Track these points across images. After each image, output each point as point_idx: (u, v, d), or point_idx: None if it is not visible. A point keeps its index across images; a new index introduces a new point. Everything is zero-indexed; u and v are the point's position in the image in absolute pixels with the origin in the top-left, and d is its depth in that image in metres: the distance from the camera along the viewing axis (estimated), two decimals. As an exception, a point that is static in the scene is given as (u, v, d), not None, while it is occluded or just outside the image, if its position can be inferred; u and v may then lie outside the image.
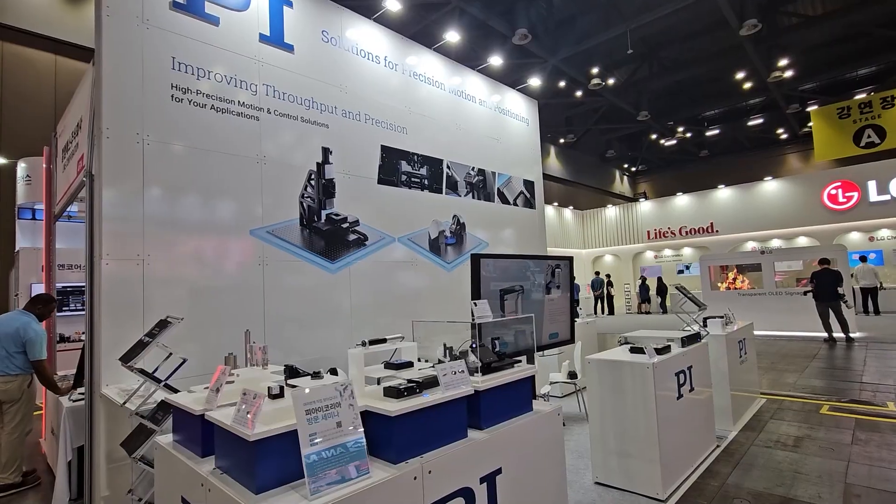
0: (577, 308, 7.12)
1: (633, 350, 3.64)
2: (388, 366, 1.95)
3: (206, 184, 3.90)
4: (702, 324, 5.04)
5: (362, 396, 1.75)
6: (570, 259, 3.13)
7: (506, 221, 7.02)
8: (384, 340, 1.97)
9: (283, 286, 4.26)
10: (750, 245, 17.77)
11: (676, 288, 4.43)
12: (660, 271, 20.10)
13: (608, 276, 19.76)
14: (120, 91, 3.51)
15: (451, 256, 6.03)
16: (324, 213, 4.71)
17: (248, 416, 1.43)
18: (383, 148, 5.37)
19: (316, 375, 1.76)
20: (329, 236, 4.71)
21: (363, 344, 1.89)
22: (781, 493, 3.27)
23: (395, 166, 5.48)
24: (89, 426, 3.35)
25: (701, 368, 4.05)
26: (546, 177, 24.52)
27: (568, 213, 22.31)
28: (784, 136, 25.74)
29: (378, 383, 1.82)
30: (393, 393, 1.67)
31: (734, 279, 13.28)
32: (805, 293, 10.42)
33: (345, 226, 4.87)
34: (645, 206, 21.25)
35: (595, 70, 17.23)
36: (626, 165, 31.95)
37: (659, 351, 3.52)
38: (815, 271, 9.93)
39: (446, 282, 5.94)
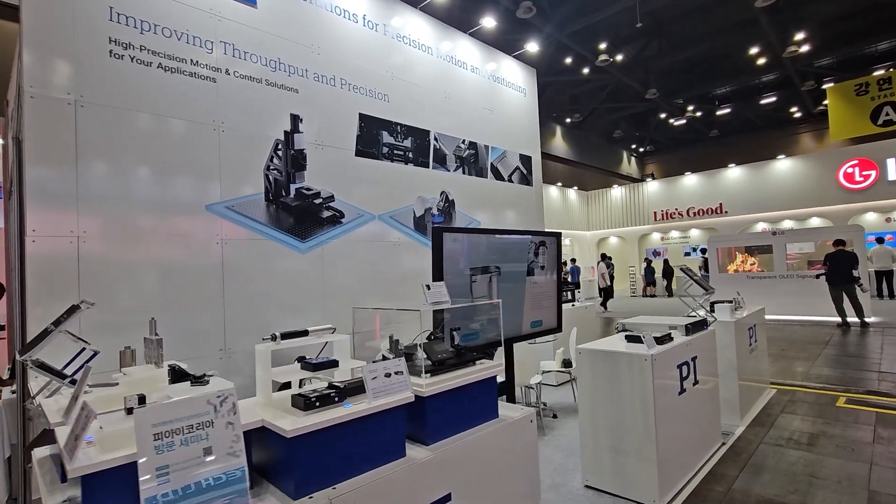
0: (577, 291, 6.71)
1: (630, 339, 3.23)
2: (305, 365, 1.55)
3: (153, 153, 3.48)
4: (709, 309, 4.62)
5: (265, 407, 1.35)
6: (556, 235, 2.70)
7: (500, 199, 6.56)
8: (304, 332, 1.57)
9: (245, 268, 3.87)
10: (760, 226, 17.17)
11: (681, 270, 4.00)
12: (666, 253, 19.58)
13: (609, 257, 19.17)
14: (44, 43, 3.08)
15: (438, 236, 5.60)
16: (293, 187, 4.29)
17: (75, 440, 1.04)
18: (362, 116, 4.91)
19: (197, 381, 1.37)
20: (299, 213, 4.29)
21: (273, 338, 1.49)
22: (796, 502, 2.88)
23: (375, 137, 5.03)
24: (22, 421, 3.02)
25: (706, 358, 3.64)
26: (551, 157, 23.87)
27: (572, 193, 21.72)
28: (798, 115, 24.75)
29: (294, 387, 1.42)
30: (300, 403, 1.28)
31: (743, 261, 12.76)
32: (818, 276, 9.92)
33: (317, 201, 4.45)
34: (651, 187, 20.62)
35: (602, 46, 16.45)
36: (633, 146, 31.05)
37: (659, 340, 3.11)
38: (829, 253, 9.42)
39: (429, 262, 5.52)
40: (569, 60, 17.94)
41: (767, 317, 11.05)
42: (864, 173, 15.43)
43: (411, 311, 1.97)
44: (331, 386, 1.37)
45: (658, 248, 20.23)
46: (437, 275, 2.05)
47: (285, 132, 4.26)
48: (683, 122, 25.39)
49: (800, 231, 13.87)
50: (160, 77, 3.56)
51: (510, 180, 6.77)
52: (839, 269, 9.11)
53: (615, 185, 21.96)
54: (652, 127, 26.91)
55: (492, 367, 1.75)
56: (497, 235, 2.39)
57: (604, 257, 16.42)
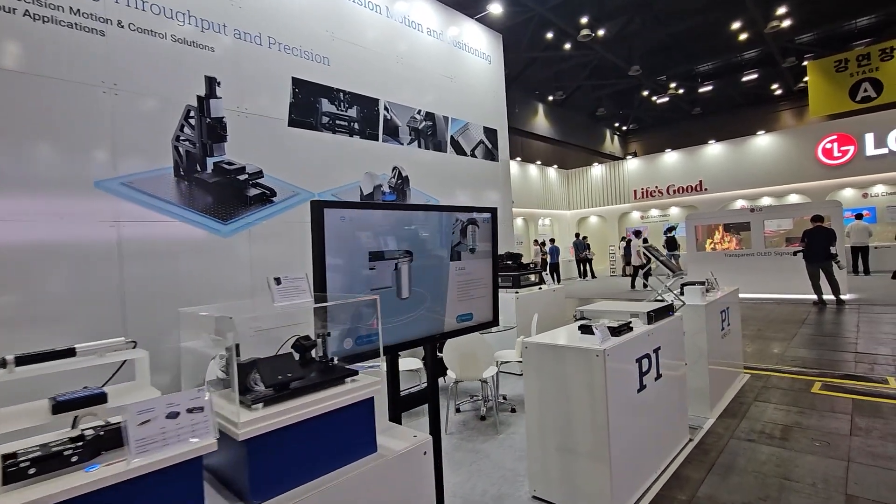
0: (545, 274, 6.30)
1: (584, 330, 2.82)
2: (59, 406, 1.07)
3: (21, 118, 2.91)
4: (679, 292, 4.26)
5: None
6: (492, 211, 2.24)
7: (461, 175, 6.08)
8: (68, 353, 1.10)
9: (148, 254, 3.35)
10: (739, 203, 17.00)
11: (645, 249, 3.59)
12: (646, 232, 19.36)
13: (584, 238, 18.90)
14: None
15: (390, 216, 5.11)
16: (210, 160, 3.75)
17: None
18: (296, 81, 4.35)
19: None
20: (219, 190, 3.77)
21: (2, 364, 1.02)
22: (766, 511, 2.55)
23: (312, 105, 4.48)
24: None
25: (672, 348, 3.27)
26: (534, 136, 23.34)
27: (552, 172, 21.29)
28: (779, 92, 24.59)
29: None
30: (10, 473, 0.81)
31: (721, 239, 12.54)
32: (795, 253, 9.70)
33: (242, 177, 3.92)
34: (632, 165, 20.29)
35: (584, 20, 15.87)
36: (616, 124, 30.69)
37: (615, 331, 2.70)
38: (806, 230, 9.18)
39: (385, 246, 5.05)
40: (550, 35, 17.34)
41: (744, 295, 10.88)
42: (843, 149, 15.26)
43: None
44: (83, 435, 0.90)
45: (638, 228, 20.03)
46: (319, 263, 1.58)
47: (199, 97, 3.70)
48: (666, 99, 25.00)
49: (777, 207, 13.69)
50: (28, 27, 2.96)
51: (473, 155, 6.27)
52: (817, 245, 8.89)
53: (595, 164, 21.59)
54: (635, 105, 26.48)
55: (361, 389, 1.30)
56: (407, 212, 1.91)
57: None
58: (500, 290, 5.69)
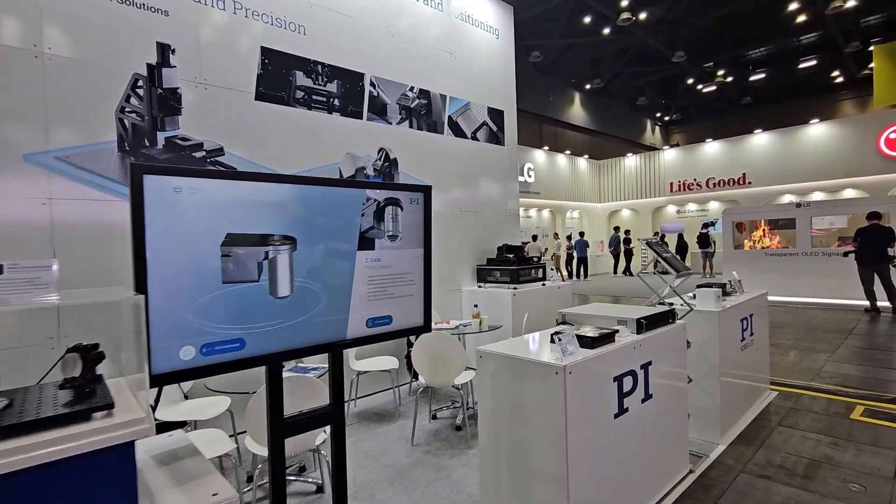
0: (550, 269, 5.75)
1: (556, 338, 2.33)
2: None
3: (-64, 83, 2.66)
4: (690, 296, 3.67)
5: None
6: (424, 190, 1.78)
7: (460, 160, 5.60)
8: None
9: (88, 238, 3.08)
10: (787, 199, 15.66)
11: (647, 244, 3.04)
12: (681, 227, 18.24)
13: (627, 231, 17.93)
14: None
15: (374, 201, 4.71)
16: (162, 135, 3.44)
17: None
18: (265, 51, 3.98)
19: None
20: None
21: None
22: (770, 579, 2.00)
23: (285, 78, 4.11)
24: None
25: (670, 362, 2.72)
26: (569, 126, 22.40)
27: (583, 162, 20.36)
28: (839, 81, 22.59)
29: None
30: None
31: (762, 237, 11.48)
32: (846, 254, 8.69)
33: (198, 154, 3.60)
34: (669, 156, 19.10)
35: (625, 2, 14.92)
36: (658, 114, 29.19)
37: (591, 342, 2.20)
38: (860, 228, 8.16)
39: (368, 233, 4.65)
40: (588, 19, 16.44)
41: (785, 298, 9.96)
42: (910, 139, 13.73)
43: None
44: None
45: (664, 223, 18.88)
46: (137, 247, 1.18)
47: (149, 66, 3.38)
48: (713, 88, 23.46)
49: (827, 203, 12.44)
50: (-55, -18, 2.70)
51: (474, 138, 5.77)
52: (872, 245, 7.88)
53: (630, 154, 20.48)
54: (679, 94, 25.02)
55: (110, 431, 0.89)
56: (290, 187, 1.49)
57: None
58: (496, 286, 5.21)
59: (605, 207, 21.04)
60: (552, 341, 2.14)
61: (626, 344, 2.35)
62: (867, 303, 8.21)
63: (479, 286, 5.48)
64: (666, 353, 2.67)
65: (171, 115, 3.47)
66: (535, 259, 5.58)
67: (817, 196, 15.20)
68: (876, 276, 7.95)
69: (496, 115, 6.05)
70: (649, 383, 2.50)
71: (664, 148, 20.13)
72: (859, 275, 8.14)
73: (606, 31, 17.23)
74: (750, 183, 16.67)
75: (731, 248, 11.27)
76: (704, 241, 15.51)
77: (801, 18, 16.44)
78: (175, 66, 3.49)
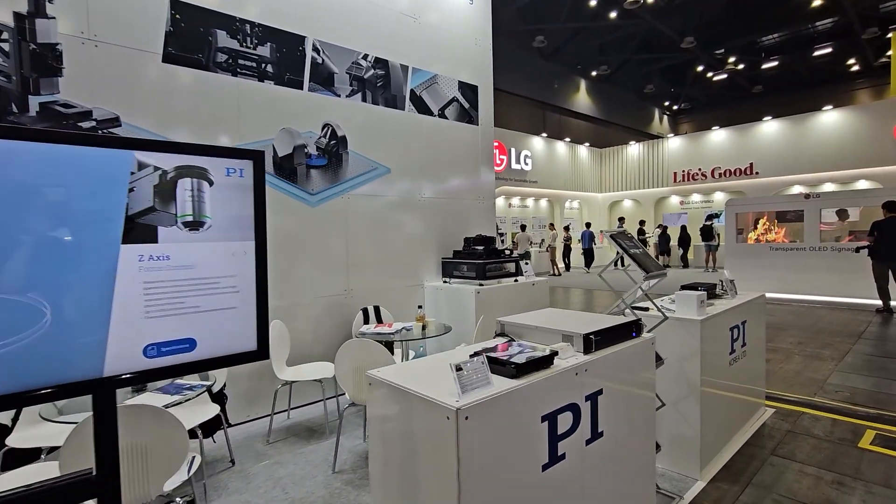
0: (526, 263, 5.19)
1: (493, 364, 1.76)
2: None
3: None
4: (669, 300, 3.10)
5: None
6: (254, 156, 1.20)
7: (425, 139, 5.00)
8: None
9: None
10: (796, 190, 14.91)
11: (610, 237, 2.45)
12: (684, 219, 17.55)
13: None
14: None
15: (317, 184, 4.14)
16: (36, 100, 2.87)
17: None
18: (176, 5, 3.39)
19: None
20: (47, 140, 2.89)
21: None
22: None
23: (203, 38, 3.52)
24: None
25: (631, 388, 2.15)
26: (573, 114, 21.62)
27: (583, 150, 19.61)
28: (855, 69, 21.59)
29: None
30: None
31: (766, 230, 10.79)
32: (858, 249, 8.03)
33: (86, 125, 3.03)
34: (673, 144, 18.31)
35: (633, -15, 14.15)
36: (666, 103, 28.30)
37: (516, 371, 1.63)
38: (877, 221, 7.49)
39: (310, 222, 4.10)
40: (594, 3, 15.65)
41: (789, 296, 9.32)
42: (930, 127, 12.91)
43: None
44: None
45: (666, 214, 18.15)
46: None
47: (17, 15, 2.80)
48: (724, 76, 22.52)
49: (838, 194, 11.69)
50: None
51: (442, 115, 5.16)
52: (891, 239, 7.20)
53: (632, 142, 19.70)
54: (688, 82, 24.08)
55: None
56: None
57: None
58: (462, 282, 4.64)
59: (606, 198, 20.33)
60: (457, 369, 1.58)
61: (566, 370, 1.78)
62: (879, 303, 7.57)
63: (445, 281, 4.91)
64: (625, 376, 2.10)
65: (48, 76, 2.90)
66: (510, 252, 5.00)
67: (828, 187, 14.44)
68: (891, 274, 7.29)
69: (468, 90, 5.43)
70: (598, 418, 1.93)
71: (668, 136, 19.31)
72: (873, 272, 7.49)
73: (613, 14, 16.43)
74: (757, 173, 15.91)
75: (733, 241, 10.61)
76: (708, 233, 14.83)
77: (817, 3, 15.55)
78: (54, 18, 2.91)
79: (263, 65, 3.81)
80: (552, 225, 16.61)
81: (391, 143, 4.68)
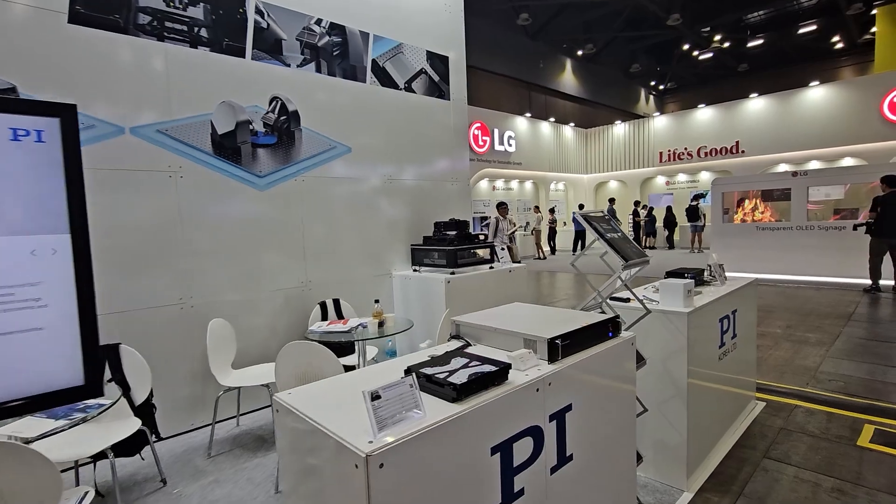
0: (500, 249, 4.84)
1: (429, 383, 1.40)
2: None
3: None
4: (653, 289, 2.78)
5: None
6: (61, 112, 0.79)
7: (389, 116, 4.57)
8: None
9: None
10: (782, 168, 14.73)
11: (584, 219, 2.10)
12: (669, 200, 17.36)
13: (636, 203, 16.72)
14: None
15: (265, 165, 3.72)
16: None
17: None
18: (83, -45, 2.90)
19: None
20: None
21: None
22: None
23: (119, -5, 3.04)
24: None
25: (607, 398, 1.82)
26: (559, 94, 21.11)
27: (568, 131, 19.22)
28: (840, 46, 21.41)
29: None
30: None
31: (752, 209, 10.58)
32: (857, 227, 7.84)
33: (-29, 96, 2.56)
34: (659, 123, 18.00)
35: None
36: (653, 83, 27.92)
37: (456, 393, 1.28)
38: (878, 196, 7.24)
39: (259, 208, 3.68)
40: None
41: (776, 277, 9.14)
42: (916, 103, 12.75)
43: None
44: None
45: (652, 195, 17.95)
46: None
47: None
48: (710, 55, 22.15)
49: (827, 171, 11.48)
50: None
51: (409, 89, 4.72)
52: (892, 216, 6.96)
53: (618, 122, 19.35)
54: (674, 60, 23.68)
55: None
56: None
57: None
58: (433, 270, 4.28)
59: (591, 179, 20.03)
60: (374, 398, 1.21)
61: (525, 386, 1.43)
62: (868, 282, 7.40)
63: (415, 270, 4.55)
64: (600, 385, 1.77)
65: (-83, 36, 2.43)
66: (482, 238, 4.63)
67: (814, 165, 14.28)
68: (890, 252, 7.09)
69: (438, 61, 4.99)
70: (567, 440, 1.59)
71: (654, 115, 18.98)
72: (871, 249, 7.28)
73: (598, -12, 15.90)
74: (743, 152, 15.70)
75: (719, 221, 10.38)
76: (694, 213, 14.64)
77: (803, -25, 15.20)
78: (-79, -35, 2.43)
79: (196, 28, 3.34)
80: (537, 207, 16.29)
81: (351, 120, 4.26)
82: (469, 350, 1.77)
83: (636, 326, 2.35)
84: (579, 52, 21.26)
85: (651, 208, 16.54)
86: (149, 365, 3.12)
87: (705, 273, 3.16)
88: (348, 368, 3.01)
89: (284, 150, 3.81)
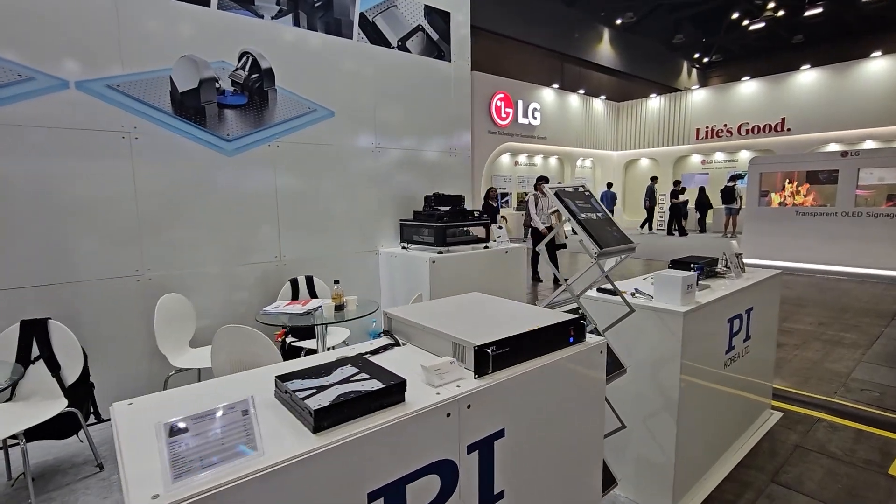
0: (499, 228, 4.46)
1: (303, 418, 1.10)
2: None
3: None
4: (651, 280, 2.37)
5: None
6: None
7: (381, 77, 4.17)
8: None
9: None
10: (831, 148, 13.54)
11: (556, 196, 1.70)
12: (702, 180, 16.36)
13: (676, 183, 15.30)
14: None
15: (234, 128, 3.41)
16: None
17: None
18: None
19: None
20: None
21: None
22: None
23: (60, -69, 2.72)
24: None
25: (564, 418, 1.46)
26: (594, 66, 19.95)
27: (598, 104, 18.22)
28: (911, 16, 19.27)
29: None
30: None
31: (793, 192, 9.70)
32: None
33: None
34: (697, 97, 16.81)
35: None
36: (696, 55, 26.07)
37: (318, 420, 0.95)
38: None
39: (227, 176, 3.40)
40: None
41: (813, 266, 8.40)
42: None
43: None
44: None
45: (686, 174, 16.90)
46: None
47: None
48: (762, 24, 20.37)
49: (883, 152, 10.40)
50: None
51: (403, 48, 4.30)
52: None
53: (653, 95, 18.20)
54: (722, 31, 21.96)
55: None
56: None
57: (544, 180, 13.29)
58: (420, 248, 3.96)
59: (621, 156, 19.06)
60: (172, 433, 0.90)
61: (427, 411, 1.09)
62: (918, 277, 6.66)
63: (404, 247, 4.22)
64: (551, 402, 1.41)
65: None
66: (479, 213, 4.25)
67: (869, 145, 13.05)
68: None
69: (438, 17, 4.52)
70: (495, 473, 1.25)
71: (692, 88, 17.75)
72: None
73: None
74: (789, 130, 14.49)
75: (755, 204, 9.59)
76: (729, 195, 13.72)
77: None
78: None
79: (152, -28, 3.01)
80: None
81: (335, 81, 3.88)
82: (387, 354, 1.44)
83: (620, 327, 1.96)
84: (618, 21, 19.94)
85: (683, 189, 15.60)
86: (99, 341, 2.94)
87: (719, 263, 2.71)
88: (312, 352, 2.74)
89: (256, 111, 3.49)
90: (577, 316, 1.51)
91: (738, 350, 2.49)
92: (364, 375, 1.12)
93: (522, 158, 16.02)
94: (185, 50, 3.16)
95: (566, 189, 1.80)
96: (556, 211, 8.36)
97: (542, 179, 8.67)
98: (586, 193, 1.83)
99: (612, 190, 16.17)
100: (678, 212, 14.78)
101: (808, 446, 2.63)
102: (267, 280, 3.61)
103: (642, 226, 15.91)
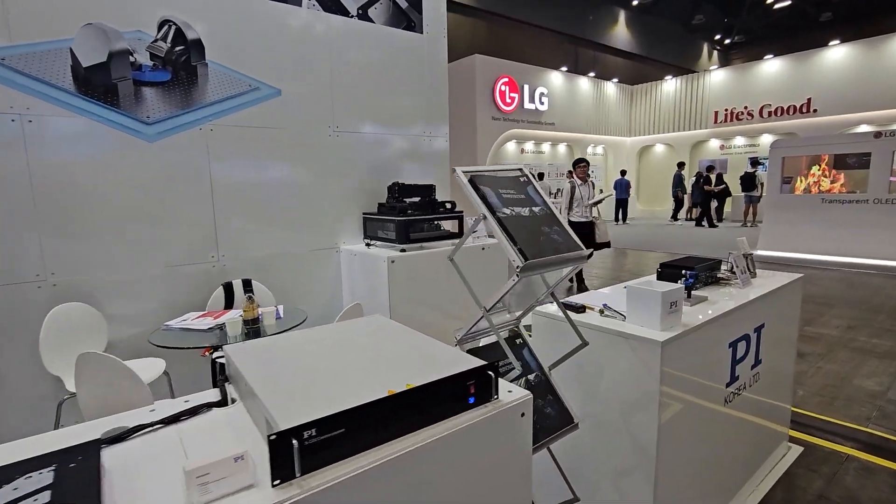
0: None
1: None
2: None
3: None
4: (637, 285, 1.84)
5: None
6: None
7: (337, 51, 3.65)
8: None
9: None
10: (862, 129, 12.58)
11: (469, 182, 1.20)
12: (723, 167, 15.48)
13: (709, 168, 14.22)
14: None
15: (156, 110, 2.95)
16: None
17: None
18: None
19: None
20: None
21: None
22: None
23: None
24: None
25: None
26: (610, 49, 19.04)
27: (610, 87, 17.37)
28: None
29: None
30: None
31: (820, 178, 8.91)
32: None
33: None
34: (716, 78, 15.87)
35: None
36: (717, 37, 24.77)
37: None
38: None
39: (148, 165, 2.94)
40: None
41: (841, 259, 7.68)
42: None
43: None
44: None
45: (704, 160, 15.99)
46: None
47: None
48: (787, 2, 19.13)
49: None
50: None
51: (364, 17, 3.77)
52: None
53: (668, 77, 17.28)
54: (745, 10, 20.73)
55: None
56: None
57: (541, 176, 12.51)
58: (383, 245, 3.49)
59: (635, 142, 18.21)
60: None
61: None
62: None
63: (367, 244, 3.74)
64: (431, 497, 0.91)
65: None
66: (449, 206, 3.73)
67: (903, 127, 12.05)
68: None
69: (407, -17, 3.98)
70: None
71: (710, 69, 16.78)
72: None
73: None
74: (815, 111, 13.53)
75: (776, 191, 8.85)
76: (750, 182, 12.88)
77: None
78: None
79: (41, -77, 2.54)
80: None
81: (282, 55, 3.39)
82: (188, 423, 0.96)
83: (581, 358, 1.45)
84: (634, 2, 18.95)
85: (720, 174, 14.70)
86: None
87: (722, 266, 2.16)
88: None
89: (183, 90, 3.02)
90: (482, 364, 1.00)
91: (745, 380, 1.95)
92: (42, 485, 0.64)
93: (529, 146, 15.35)
94: (89, 17, 2.70)
95: (494, 173, 1.28)
96: (599, 201, 6.67)
97: (581, 162, 6.67)
98: (522, 180, 1.31)
99: (625, 178, 15.42)
100: (706, 203, 13.81)
101: (833, 497, 2.09)
102: (202, 284, 3.16)
103: (674, 217, 15.08)
